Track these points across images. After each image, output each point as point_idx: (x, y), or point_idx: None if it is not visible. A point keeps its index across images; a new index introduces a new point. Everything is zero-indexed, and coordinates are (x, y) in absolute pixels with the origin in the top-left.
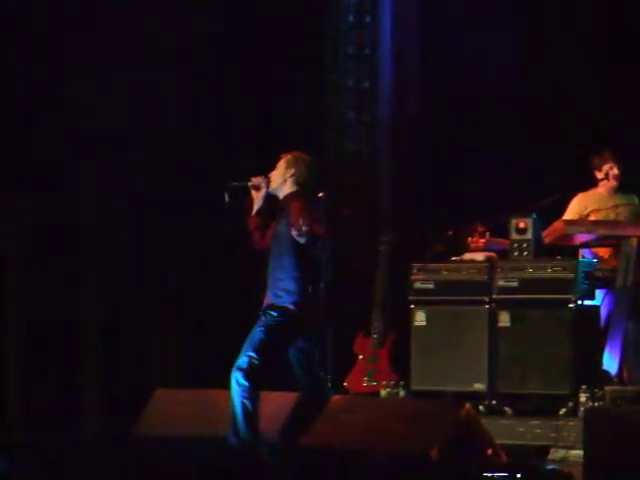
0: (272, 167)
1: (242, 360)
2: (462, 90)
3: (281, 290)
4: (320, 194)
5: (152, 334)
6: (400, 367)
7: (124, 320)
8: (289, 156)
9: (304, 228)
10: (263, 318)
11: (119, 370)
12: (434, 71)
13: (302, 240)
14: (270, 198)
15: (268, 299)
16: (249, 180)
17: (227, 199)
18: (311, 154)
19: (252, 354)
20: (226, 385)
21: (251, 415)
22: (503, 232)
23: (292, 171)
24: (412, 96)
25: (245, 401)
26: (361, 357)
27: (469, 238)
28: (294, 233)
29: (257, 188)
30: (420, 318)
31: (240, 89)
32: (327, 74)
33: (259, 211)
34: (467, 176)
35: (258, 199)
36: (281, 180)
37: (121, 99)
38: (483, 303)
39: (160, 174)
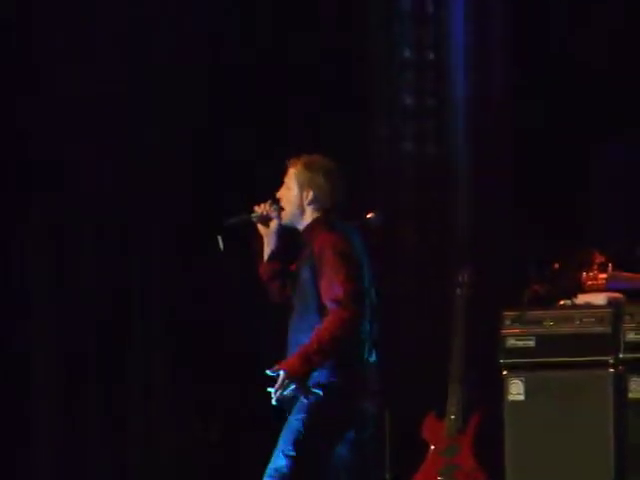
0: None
1: (279, 461)
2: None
3: None
4: (369, 215)
5: None
6: (489, 461)
7: None
8: (299, 166)
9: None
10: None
11: None
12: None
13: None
14: (285, 232)
15: None
16: (252, 211)
17: (221, 245)
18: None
19: (291, 452)
20: None
21: None
22: (632, 264)
23: (310, 193)
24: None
25: None
26: (433, 448)
27: (584, 273)
28: (328, 303)
29: (265, 221)
30: (516, 390)
31: None
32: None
33: (273, 254)
34: (577, 186)
35: (269, 237)
36: (296, 208)
37: None
38: (606, 366)
39: None
